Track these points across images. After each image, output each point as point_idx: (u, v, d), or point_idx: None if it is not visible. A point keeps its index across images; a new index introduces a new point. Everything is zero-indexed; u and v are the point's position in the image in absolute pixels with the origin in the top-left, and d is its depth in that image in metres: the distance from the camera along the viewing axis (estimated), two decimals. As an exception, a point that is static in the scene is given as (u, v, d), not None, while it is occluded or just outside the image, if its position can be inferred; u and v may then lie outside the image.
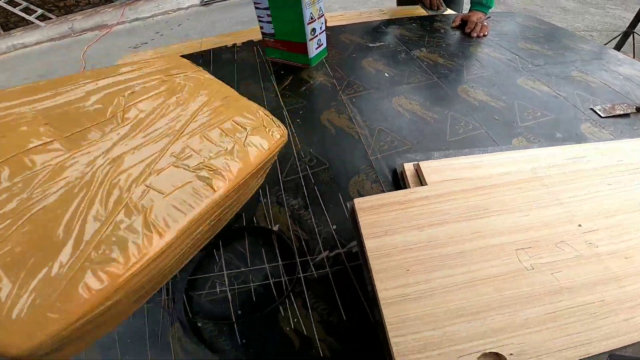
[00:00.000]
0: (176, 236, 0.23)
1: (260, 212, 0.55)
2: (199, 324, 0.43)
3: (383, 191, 0.55)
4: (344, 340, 0.40)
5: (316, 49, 0.88)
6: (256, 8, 0.86)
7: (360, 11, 1.32)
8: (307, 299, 0.44)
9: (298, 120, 0.72)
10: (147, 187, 0.24)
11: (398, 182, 0.56)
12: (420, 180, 0.50)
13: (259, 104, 0.74)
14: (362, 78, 0.83)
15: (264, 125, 0.35)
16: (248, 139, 0.32)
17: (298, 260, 0.48)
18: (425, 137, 0.65)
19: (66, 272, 0.18)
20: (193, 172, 0.26)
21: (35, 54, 3.88)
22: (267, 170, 0.41)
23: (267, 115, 0.37)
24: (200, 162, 0.27)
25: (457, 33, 1.04)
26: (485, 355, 0.31)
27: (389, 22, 1.14)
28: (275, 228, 0.53)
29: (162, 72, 0.37)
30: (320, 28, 0.86)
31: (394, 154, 0.62)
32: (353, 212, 0.43)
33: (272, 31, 0.87)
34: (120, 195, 0.23)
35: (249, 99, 0.77)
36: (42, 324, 0.16)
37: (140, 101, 0.31)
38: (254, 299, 0.45)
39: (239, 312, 0.43)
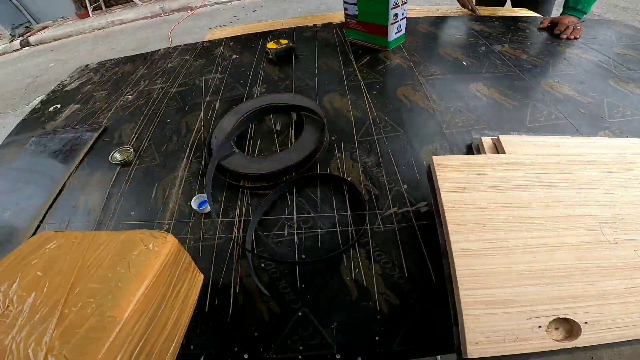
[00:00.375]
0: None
1: (334, 165, 0.62)
2: (262, 264, 0.47)
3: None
4: (402, 296, 0.41)
5: (395, 33, 0.93)
6: (344, -10, 0.92)
7: (437, 7, 1.33)
8: (372, 251, 0.47)
9: (374, 92, 0.78)
10: (54, 341, 0.30)
11: (472, 154, 0.59)
12: (499, 152, 0.52)
13: (337, 77, 0.84)
14: (439, 63, 0.87)
15: (144, 245, 0.37)
16: (131, 266, 0.35)
17: (367, 211, 0.51)
18: (503, 119, 0.68)
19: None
20: (90, 315, 0.32)
21: (130, 30, 4.36)
22: (188, 268, 0.42)
23: (144, 235, 0.38)
24: (92, 307, 0.32)
25: (544, 34, 1.02)
26: (558, 320, 0.31)
27: (468, 19, 1.15)
28: (350, 178, 0.59)
29: (37, 253, 0.40)
30: (402, 14, 0.91)
31: (469, 131, 0.65)
32: (430, 169, 0.46)
33: (356, 13, 0.94)
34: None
35: (328, 73, 0.88)
36: None
37: (18, 294, 0.35)
38: (320, 244, 0.49)
39: (303, 256, 0.47)
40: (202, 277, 0.46)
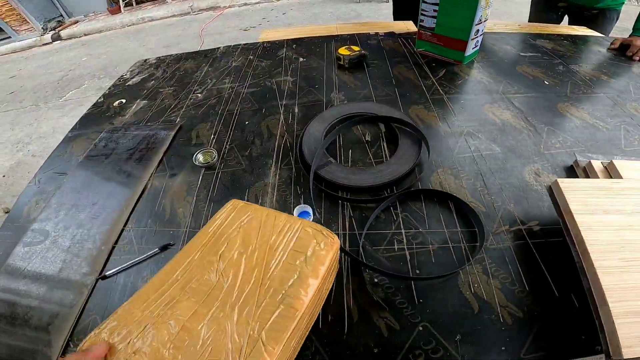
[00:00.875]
0: (280, 349, 0.33)
1: (435, 180, 0.60)
2: (375, 279, 0.46)
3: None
4: (525, 309, 0.41)
5: (472, 48, 0.91)
6: (423, 2, 0.91)
7: (496, 22, 1.31)
8: (488, 267, 0.46)
9: (460, 107, 0.76)
10: (255, 323, 0.34)
11: (575, 175, 0.58)
12: (611, 177, 0.53)
13: (418, 89, 0.82)
14: (520, 81, 0.84)
15: (316, 242, 0.40)
16: (308, 261, 0.39)
17: (484, 227, 0.50)
18: (598, 142, 0.65)
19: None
20: (279, 302, 0.35)
21: (160, 27, 4.42)
22: (335, 271, 0.45)
23: (317, 230, 0.41)
24: (282, 293, 0.36)
25: (616, 55, 1.00)
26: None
27: (536, 36, 1.12)
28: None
29: (236, 222, 0.45)
30: (482, 30, 0.89)
31: (568, 152, 0.63)
32: (551, 191, 0.48)
33: (433, 25, 0.92)
34: (241, 333, 0.34)
35: (406, 84, 0.86)
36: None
37: (228, 261, 0.41)
38: (433, 260, 0.48)
39: (417, 271, 0.46)
40: (333, 278, 0.46)
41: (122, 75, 1.14)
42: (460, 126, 0.70)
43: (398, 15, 1.51)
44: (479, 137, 0.68)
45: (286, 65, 1.01)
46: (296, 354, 0.38)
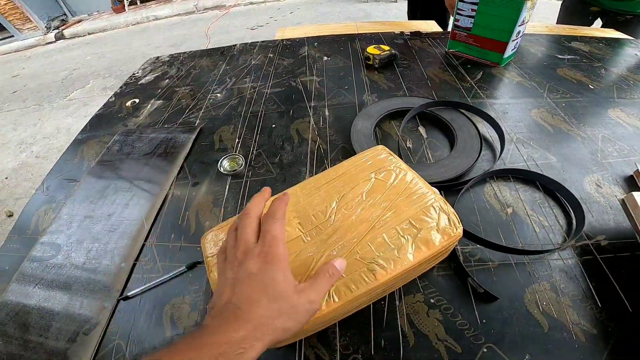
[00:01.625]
0: (342, 305, 0.34)
1: (488, 192, 0.54)
2: (432, 300, 0.42)
3: (626, 192, 0.52)
4: (598, 326, 0.38)
5: (511, 50, 0.86)
6: (460, 1, 0.85)
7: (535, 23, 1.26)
8: (557, 284, 0.42)
9: (505, 112, 0.70)
10: None
11: (636, 186, 0.53)
12: None
13: (456, 91, 0.76)
14: (563, 85, 0.79)
15: (437, 225, 0.38)
16: (416, 239, 0.37)
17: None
18: None
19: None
20: (365, 264, 0.35)
21: (166, 26, 4.38)
22: (445, 255, 0.42)
23: (446, 213, 0.39)
24: (373, 258, 0.36)
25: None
26: None
27: (570, 38, 1.07)
28: (510, 211, 0.51)
29: (372, 170, 0.45)
30: (522, 32, 0.84)
31: (627, 161, 0.58)
32: (625, 205, 0.45)
33: (470, 25, 0.86)
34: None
35: (443, 86, 0.80)
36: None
37: (345, 204, 0.41)
38: (494, 278, 0.43)
39: (479, 290, 0.42)
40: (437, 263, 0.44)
41: (133, 74, 1.08)
42: (509, 132, 0.65)
43: (413, 16, 1.46)
44: (530, 144, 0.62)
45: (310, 64, 0.95)
46: (356, 310, 0.39)
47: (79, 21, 5.14)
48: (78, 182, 0.67)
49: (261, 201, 0.35)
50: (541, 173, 0.54)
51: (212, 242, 0.41)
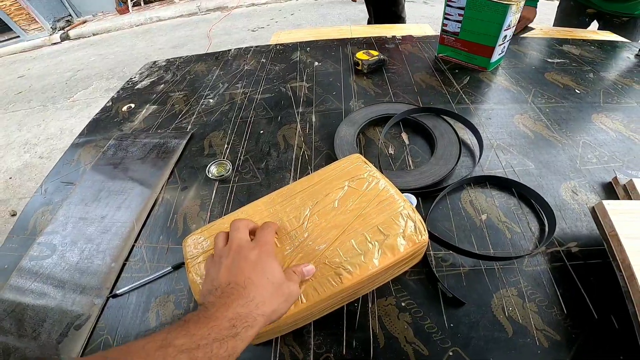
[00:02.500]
0: (309, 306, 0.36)
1: (464, 198, 0.55)
2: (403, 303, 0.44)
3: (602, 199, 0.53)
4: (563, 332, 0.39)
5: (499, 55, 0.87)
6: (447, 5, 0.87)
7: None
8: (524, 290, 0.43)
9: (489, 118, 0.71)
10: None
11: (614, 193, 0.54)
12: None
13: (442, 97, 0.78)
14: (549, 90, 0.80)
15: (403, 232, 0.39)
16: (383, 245, 0.38)
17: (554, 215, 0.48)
18: (636, 157, 0.61)
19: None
20: (333, 269, 0.37)
21: (168, 28, 4.42)
22: (416, 260, 0.43)
23: (413, 220, 0.40)
24: (340, 262, 0.37)
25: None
26: None
27: (562, 41, 1.07)
28: (484, 217, 0.52)
29: (346, 178, 0.46)
30: (509, 36, 0.85)
31: (606, 168, 0.59)
32: (595, 212, 0.46)
33: (457, 30, 0.88)
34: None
35: (429, 91, 0.81)
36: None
37: (318, 211, 0.43)
38: (464, 283, 0.45)
39: (448, 295, 0.43)
40: (405, 270, 0.45)
41: (130, 78, 1.11)
42: (490, 139, 0.66)
43: (375, 21, 1.48)
44: (510, 151, 0.63)
45: (301, 70, 0.97)
46: (329, 310, 0.40)
47: (84, 22, 5.19)
48: (74, 185, 0.69)
49: (249, 223, 0.38)
50: (517, 180, 0.55)
51: (193, 245, 0.43)
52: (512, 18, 0.79)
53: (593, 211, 0.47)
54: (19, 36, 5.00)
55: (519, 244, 0.48)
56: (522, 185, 0.54)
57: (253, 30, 3.80)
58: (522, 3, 0.80)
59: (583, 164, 0.60)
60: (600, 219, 0.45)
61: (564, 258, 0.46)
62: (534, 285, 0.44)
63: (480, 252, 0.47)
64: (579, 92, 0.79)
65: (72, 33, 4.88)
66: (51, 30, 4.97)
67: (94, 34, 4.82)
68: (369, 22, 1.59)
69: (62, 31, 4.95)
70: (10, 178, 2.08)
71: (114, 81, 3.07)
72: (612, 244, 0.42)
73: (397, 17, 1.48)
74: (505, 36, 0.83)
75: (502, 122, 0.70)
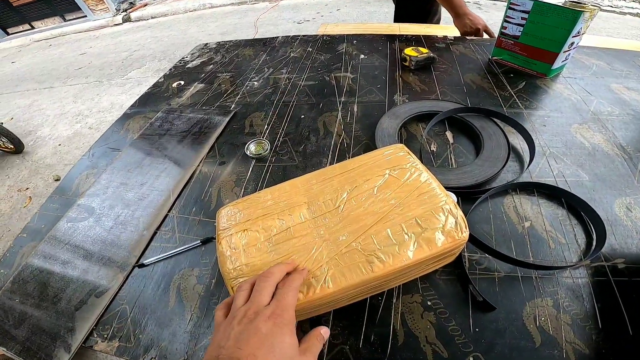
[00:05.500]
0: (335, 292, 0.35)
1: (508, 203, 0.52)
2: (428, 302, 0.42)
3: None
4: (593, 346, 0.37)
5: (562, 61, 0.81)
6: (510, 8, 0.82)
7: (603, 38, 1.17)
8: (560, 301, 0.41)
9: (543, 125, 0.67)
10: (335, 258, 0.37)
11: None
12: None
13: (493, 100, 0.74)
14: (615, 102, 0.73)
15: (443, 227, 0.38)
16: (420, 238, 0.37)
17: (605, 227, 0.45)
18: None
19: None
20: (365, 256, 0.36)
21: (219, 14, 4.58)
22: (450, 259, 0.42)
23: (454, 217, 0.38)
24: (373, 250, 0.36)
25: None
26: None
27: (635, 54, 0.98)
28: (527, 225, 0.49)
29: (388, 166, 0.45)
30: (577, 43, 0.79)
31: None
32: None
33: (518, 34, 0.83)
34: (320, 259, 0.38)
35: (479, 93, 0.78)
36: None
37: (356, 195, 0.43)
38: (497, 288, 0.43)
39: (479, 299, 0.41)
40: (442, 265, 0.43)
41: (183, 58, 1.16)
42: (543, 146, 0.62)
43: (398, 19, 1.40)
44: (563, 160, 0.59)
45: (346, 61, 0.96)
46: (352, 301, 0.40)
47: (145, 5, 5.52)
48: (120, 152, 0.74)
49: (284, 269, 0.35)
50: (568, 190, 0.52)
51: (226, 217, 0.44)
52: (583, 25, 0.74)
53: None
54: (86, 16, 5.40)
55: (561, 254, 0.45)
56: (573, 196, 0.50)
57: (299, 23, 3.84)
58: (597, 12, 0.74)
59: (643, 181, 0.55)
60: None
61: (609, 273, 0.43)
62: (572, 297, 0.41)
63: (519, 259, 0.44)
64: (649, 106, 0.72)
65: (133, 15, 5.20)
66: (115, 11, 5.32)
67: (152, 17, 5.11)
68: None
69: (124, 13, 5.28)
70: (60, 145, 2.26)
71: (164, 62, 3.24)
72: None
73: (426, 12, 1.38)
74: (573, 43, 0.77)
75: (557, 130, 0.66)
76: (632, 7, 3.47)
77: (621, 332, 0.38)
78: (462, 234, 0.37)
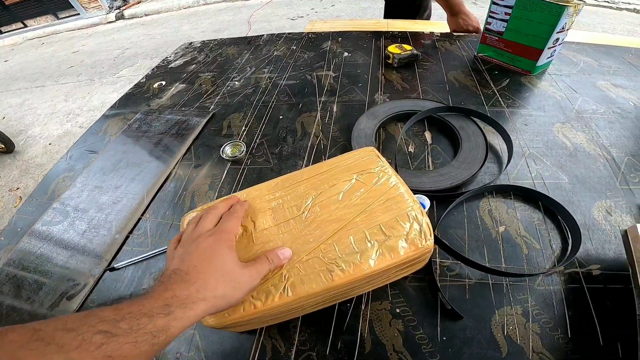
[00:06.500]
0: (294, 300, 0.34)
1: (483, 206, 0.51)
2: (397, 310, 0.41)
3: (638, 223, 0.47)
4: (561, 356, 0.36)
5: (547, 58, 0.79)
6: (493, 3, 0.81)
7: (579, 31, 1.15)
8: (530, 309, 0.40)
9: (524, 124, 0.65)
10: (295, 266, 0.36)
11: None
12: None
13: (475, 98, 0.72)
14: (601, 101, 0.72)
15: (406, 235, 0.36)
16: (382, 246, 0.36)
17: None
18: None
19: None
20: (326, 264, 0.35)
21: (212, 12, 4.54)
22: (419, 265, 0.41)
23: (419, 223, 0.37)
24: (334, 259, 0.35)
25: None
26: None
27: (624, 50, 0.96)
28: (502, 229, 0.48)
29: (356, 170, 0.44)
30: (562, 39, 0.77)
31: None
32: (627, 236, 0.43)
33: (502, 29, 0.81)
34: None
35: (462, 91, 0.76)
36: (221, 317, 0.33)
37: (321, 202, 0.41)
38: (467, 296, 0.41)
39: (447, 307, 0.40)
40: (406, 274, 0.42)
41: (166, 57, 1.14)
42: (522, 146, 0.60)
43: (389, 15, 1.37)
44: (543, 161, 0.58)
45: (329, 59, 0.94)
46: (319, 307, 0.39)
47: (139, 2, 5.45)
48: (97, 154, 0.72)
49: (228, 203, 0.40)
50: (545, 193, 0.50)
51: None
52: (568, 21, 0.72)
53: (625, 234, 0.43)
54: (79, 14, 5.35)
55: (535, 261, 0.44)
56: (550, 199, 0.49)
57: (292, 19, 3.81)
58: (582, 7, 0.73)
59: (624, 182, 0.53)
60: (631, 243, 0.42)
61: (582, 280, 0.42)
62: (542, 305, 0.40)
63: (491, 266, 0.43)
64: (633, 104, 0.71)
65: (126, 13, 5.15)
66: (108, 9, 5.27)
67: (145, 15, 5.05)
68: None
69: (117, 10, 5.23)
70: (50, 144, 2.24)
71: (156, 60, 3.20)
72: (637, 270, 0.39)
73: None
74: (558, 39, 0.75)
75: (539, 129, 0.64)
76: (629, 3, 3.44)
77: (591, 342, 0.37)
78: (426, 241, 0.36)
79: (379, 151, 0.61)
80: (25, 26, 5.68)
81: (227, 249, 0.33)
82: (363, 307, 0.42)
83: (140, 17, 5.04)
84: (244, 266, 0.33)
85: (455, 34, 1.06)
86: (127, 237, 0.54)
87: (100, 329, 0.22)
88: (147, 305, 0.25)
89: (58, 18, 5.55)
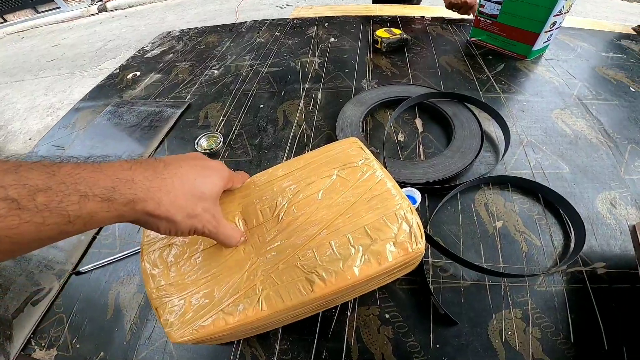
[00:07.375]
0: (270, 315, 0.30)
1: (479, 200, 0.47)
2: (387, 315, 0.38)
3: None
4: None
5: (543, 42, 0.75)
6: (487, -16, 0.76)
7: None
8: (530, 312, 0.36)
9: (522, 110, 0.61)
10: (270, 276, 0.31)
11: None
12: None
13: (469, 83, 0.68)
14: (599, 86, 0.68)
15: (395, 237, 0.32)
16: (368, 251, 0.31)
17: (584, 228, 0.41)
18: None
19: (209, 312, 0.30)
20: (305, 273, 0.31)
21: (199, 1, 4.40)
22: (410, 268, 0.36)
23: (409, 224, 0.32)
24: (314, 267, 0.31)
25: None
26: None
27: (622, 36, 0.93)
28: (499, 225, 0.44)
29: (337, 165, 0.39)
30: (559, 23, 0.73)
31: None
32: (635, 232, 0.40)
33: (496, 12, 0.77)
34: (253, 277, 0.31)
35: (454, 76, 0.72)
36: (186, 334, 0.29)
37: (297, 202, 0.36)
38: (463, 299, 0.38)
39: (440, 312, 0.36)
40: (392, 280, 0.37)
41: (142, 47, 1.07)
42: (520, 134, 0.56)
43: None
44: (542, 149, 0.54)
45: (315, 45, 0.89)
46: (301, 317, 0.34)
47: (121, -6, 5.26)
48: (63, 149, 0.66)
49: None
50: (545, 184, 0.46)
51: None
52: (565, 3, 0.68)
53: (633, 230, 0.39)
54: (59, 7, 5.15)
55: (535, 259, 0.40)
56: (550, 191, 0.45)
57: (281, 7, 3.71)
58: None
59: (628, 172, 0.50)
60: (639, 238, 0.38)
61: (586, 280, 0.38)
62: (543, 308, 0.37)
63: (487, 266, 0.39)
64: (634, 90, 0.67)
65: (109, 5, 4.96)
66: (90, 1, 5.08)
67: (129, 6, 4.88)
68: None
69: (100, 2, 5.04)
70: (30, 139, 2.15)
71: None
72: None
73: None
74: (555, 22, 0.71)
75: (537, 116, 0.60)
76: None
77: (596, 346, 0.33)
78: (416, 245, 0.31)
79: (367, 140, 0.56)
80: (5, 21, 5.46)
81: (218, 178, 0.31)
82: (349, 313, 0.38)
83: (124, 8, 4.87)
84: (220, 210, 0.31)
85: (447, 16, 1.01)
86: (94, 238, 0.49)
87: (9, 195, 0.17)
88: (89, 180, 0.20)
89: (37, 12, 5.34)
